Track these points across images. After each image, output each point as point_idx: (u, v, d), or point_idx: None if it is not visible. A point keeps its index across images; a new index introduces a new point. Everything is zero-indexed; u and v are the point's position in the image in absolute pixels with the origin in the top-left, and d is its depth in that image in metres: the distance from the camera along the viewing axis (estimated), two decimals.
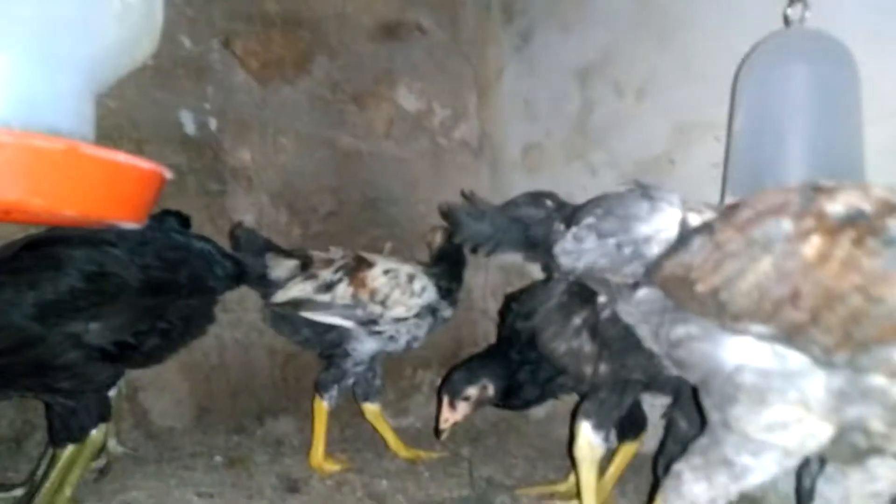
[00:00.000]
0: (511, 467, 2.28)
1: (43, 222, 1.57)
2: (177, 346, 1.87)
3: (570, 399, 2.21)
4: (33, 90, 1.01)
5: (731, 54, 1.95)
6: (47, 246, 1.60)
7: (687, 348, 1.09)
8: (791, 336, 0.93)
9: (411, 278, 2.20)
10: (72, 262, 1.56)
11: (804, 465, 1.46)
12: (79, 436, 1.66)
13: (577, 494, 1.71)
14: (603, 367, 1.60)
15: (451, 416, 2.05)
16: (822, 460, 1.15)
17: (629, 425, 1.90)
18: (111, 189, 0.98)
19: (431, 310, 2.24)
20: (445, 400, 2.05)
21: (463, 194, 1.60)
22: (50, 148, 0.87)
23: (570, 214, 1.37)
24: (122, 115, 2.17)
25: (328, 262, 2.19)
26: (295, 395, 2.51)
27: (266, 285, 2.16)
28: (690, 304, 1.08)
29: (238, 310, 2.39)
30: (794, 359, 0.95)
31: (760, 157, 1.75)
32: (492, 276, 3.00)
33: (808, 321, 0.90)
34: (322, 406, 2.13)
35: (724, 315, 1.00)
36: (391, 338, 2.19)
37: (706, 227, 1.10)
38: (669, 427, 1.76)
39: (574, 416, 1.70)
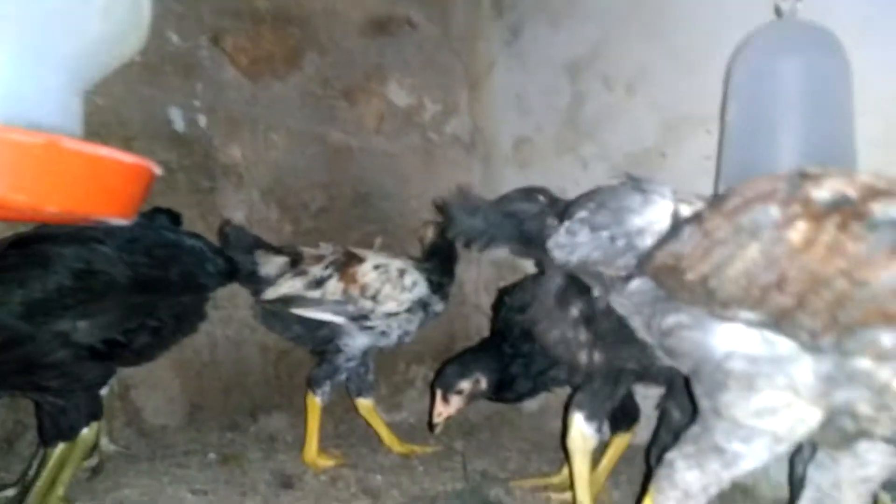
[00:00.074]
0: (505, 460, 2.28)
1: (27, 219, 1.56)
2: (168, 344, 1.86)
3: (563, 392, 2.21)
4: (17, 85, 1.00)
5: (721, 47, 1.95)
6: (35, 244, 1.59)
7: (678, 337, 1.10)
8: (779, 321, 0.93)
9: (402, 273, 2.20)
10: (60, 259, 1.55)
11: (797, 452, 1.47)
12: (69, 434, 1.65)
13: (571, 486, 1.72)
14: (597, 356, 1.61)
15: (444, 410, 2.05)
16: (815, 448, 1.15)
17: (622, 417, 1.91)
18: (95, 184, 0.97)
19: (423, 304, 2.24)
20: (438, 394, 2.05)
21: (457, 189, 1.60)
22: (30, 142, 0.85)
23: (563, 209, 1.38)
24: (110, 112, 2.15)
25: (318, 259, 2.19)
26: (288, 392, 2.50)
27: (256, 282, 2.16)
28: (681, 292, 1.08)
29: (229, 307, 2.38)
30: (783, 344, 0.96)
31: (753, 149, 1.75)
32: (484, 271, 3.00)
33: (794, 306, 0.90)
34: (315, 402, 2.13)
35: (714, 302, 1.01)
36: (382, 333, 2.18)
37: (696, 217, 1.10)
38: (662, 417, 1.77)
39: (567, 408, 1.71)
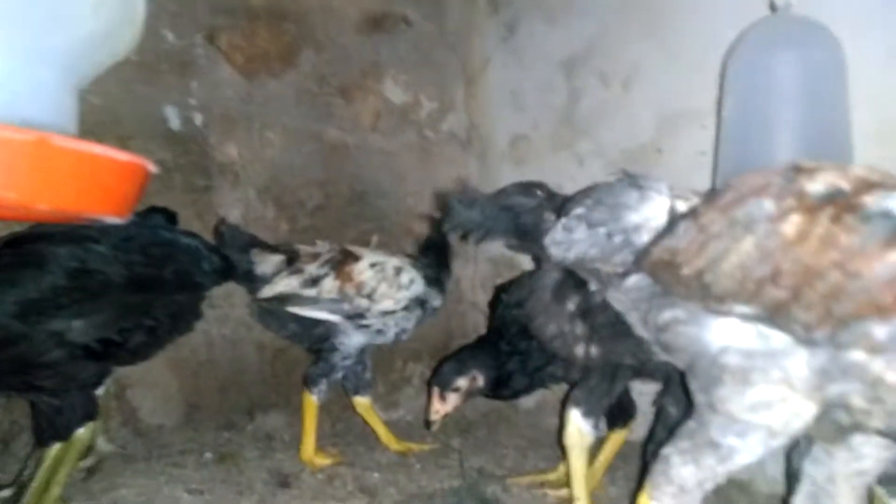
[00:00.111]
0: (502, 457, 2.28)
1: (20, 218, 1.55)
2: (163, 343, 1.86)
3: (560, 389, 2.22)
4: (8, 82, 0.99)
5: (716, 42, 1.95)
6: (29, 243, 1.58)
7: (673, 332, 1.10)
8: (773, 315, 0.93)
9: (398, 271, 2.20)
10: (54, 258, 1.55)
11: (792, 446, 1.47)
12: (64, 434, 1.65)
13: (567, 483, 1.72)
14: (594, 350, 1.61)
15: (441, 407, 2.05)
16: (810, 442, 1.15)
17: (619, 413, 1.91)
18: (87, 182, 0.96)
19: (420, 302, 2.24)
20: (435, 392, 2.05)
21: (456, 182, 1.59)
22: (21, 140, 0.84)
23: (560, 204, 1.37)
24: (106, 111, 2.15)
25: (314, 257, 2.18)
26: (285, 390, 2.50)
27: (252, 281, 2.15)
28: (676, 287, 1.08)
29: (225, 305, 2.38)
30: (777, 338, 0.96)
31: (750, 144, 1.76)
32: (481, 268, 2.99)
33: (789, 299, 0.90)
34: (311, 400, 2.13)
35: (709, 297, 1.01)
36: (379, 331, 2.18)
37: (691, 212, 1.10)
38: (659, 414, 1.77)
39: (564, 405, 1.71)
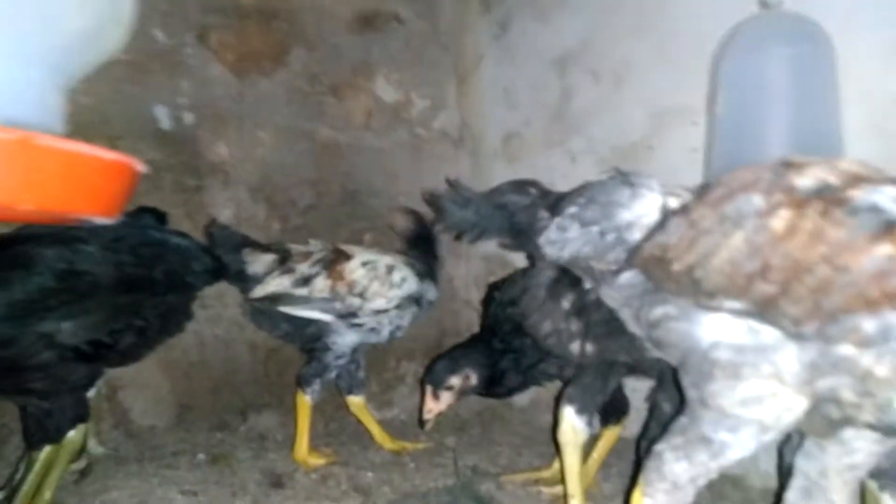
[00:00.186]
0: (496, 455, 2.28)
1: (5, 218, 1.53)
2: (154, 344, 1.85)
3: (553, 386, 2.21)
4: None
5: (707, 39, 1.95)
6: (17, 244, 1.57)
7: (665, 328, 1.10)
8: (763, 310, 0.94)
9: (390, 269, 2.19)
10: (43, 260, 1.53)
11: (785, 441, 1.47)
12: (55, 437, 1.63)
13: (562, 480, 1.72)
14: (589, 347, 1.61)
15: (434, 406, 2.04)
16: (802, 437, 1.16)
17: (612, 410, 1.91)
18: (73, 182, 0.95)
19: (415, 298, 2.23)
20: (428, 390, 2.05)
21: (447, 181, 1.59)
22: (3, 139, 0.83)
23: (554, 202, 1.37)
24: (95, 111, 2.13)
25: (306, 256, 2.17)
26: (278, 390, 2.49)
27: (244, 281, 2.14)
28: (668, 283, 1.08)
29: (218, 305, 2.37)
30: (767, 333, 0.96)
31: (742, 141, 1.76)
32: (474, 266, 2.99)
33: (778, 293, 0.90)
34: (305, 400, 2.12)
35: (699, 292, 1.01)
36: (372, 329, 2.17)
37: (682, 208, 1.10)
38: (653, 410, 1.77)
39: (558, 402, 1.71)
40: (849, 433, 1.02)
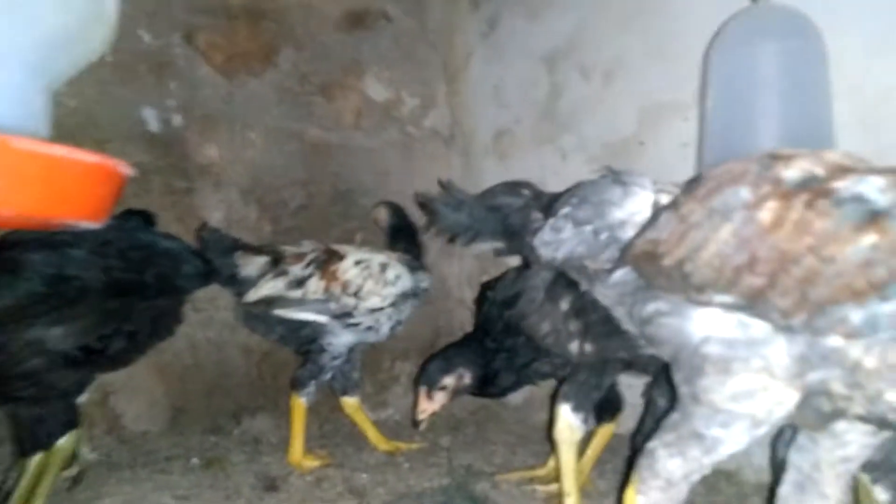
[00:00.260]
0: (490, 454, 2.28)
1: None
2: (145, 349, 1.83)
3: (548, 385, 2.22)
4: None
5: (696, 34, 1.96)
6: (4, 250, 1.55)
7: (657, 324, 1.10)
8: (751, 302, 0.93)
9: (384, 267, 2.18)
10: (30, 265, 1.52)
11: (777, 435, 1.48)
12: (46, 444, 1.62)
13: (557, 478, 1.72)
14: (588, 346, 1.62)
15: (428, 406, 2.04)
16: (795, 430, 1.16)
17: (606, 407, 1.91)
18: (54, 186, 0.93)
19: (409, 294, 2.23)
20: (422, 390, 2.04)
21: (440, 183, 1.59)
22: None
23: (548, 203, 1.37)
24: (82, 113, 2.12)
25: (299, 257, 2.16)
26: (272, 393, 2.48)
27: (237, 284, 2.13)
28: (659, 279, 1.08)
29: (210, 308, 2.35)
30: (757, 327, 0.96)
31: (733, 135, 1.76)
32: (467, 265, 2.99)
33: (766, 286, 0.90)
34: (300, 403, 2.10)
35: (690, 287, 1.00)
36: (369, 328, 2.16)
37: (672, 203, 1.10)
38: (648, 405, 1.78)
39: (553, 400, 1.71)
40: (841, 426, 1.03)
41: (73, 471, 1.88)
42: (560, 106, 2.65)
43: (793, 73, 1.70)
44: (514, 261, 2.15)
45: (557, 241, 1.27)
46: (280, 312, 2.11)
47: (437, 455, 2.24)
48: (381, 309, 2.16)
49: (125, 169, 1.23)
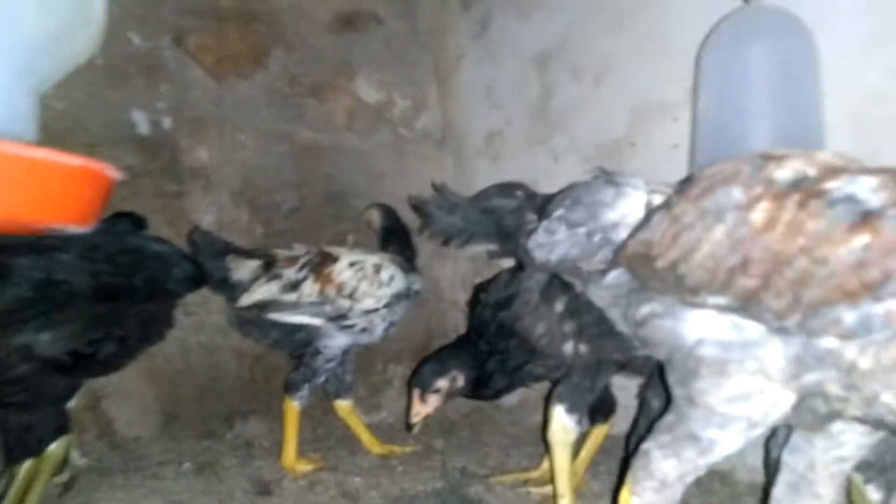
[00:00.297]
0: (484, 457, 2.27)
1: None
2: (135, 353, 1.82)
3: (542, 387, 2.21)
4: None
5: (687, 35, 1.96)
6: None
7: (651, 326, 1.10)
8: (745, 304, 0.93)
9: (378, 269, 2.17)
10: (18, 270, 1.50)
11: (771, 436, 1.48)
12: (36, 451, 1.60)
13: (551, 480, 1.72)
14: (583, 347, 1.61)
15: (421, 409, 2.02)
16: (789, 431, 1.16)
17: (600, 408, 1.91)
18: (39, 190, 0.92)
19: (403, 295, 2.22)
20: (416, 393, 2.03)
21: (433, 186, 1.58)
22: None
23: (541, 204, 1.37)
24: (71, 117, 2.10)
25: (292, 260, 2.15)
26: (264, 396, 2.47)
27: (230, 288, 2.11)
28: (653, 281, 1.08)
29: (201, 312, 2.34)
30: (752, 329, 0.95)
31: (725, 135, 1.76)
32: (460, 267, 2.98)
33: (759, 287, 0.90)
34: (293, 406, 2.09)
35: (683, 289, 1.00)
36: (364, 330, 2.15)
37: (665, 204, 1.10)
38: (642, 406, 1.77)
39: (547, 402, 1.70)
40: (837, 426, 1.02)
41: (63, 477, 1.86)
42: (552, 107, 2.65)
43: (784, 74, 1.71)
44: (507, 263, 2.15)
45: (551, 243, 1.27)
46: (275, 316, 2.10)
47: (430, 458, 2.23)
48: (376, 310, 2.16)
49: (112, 172, 1.22)
